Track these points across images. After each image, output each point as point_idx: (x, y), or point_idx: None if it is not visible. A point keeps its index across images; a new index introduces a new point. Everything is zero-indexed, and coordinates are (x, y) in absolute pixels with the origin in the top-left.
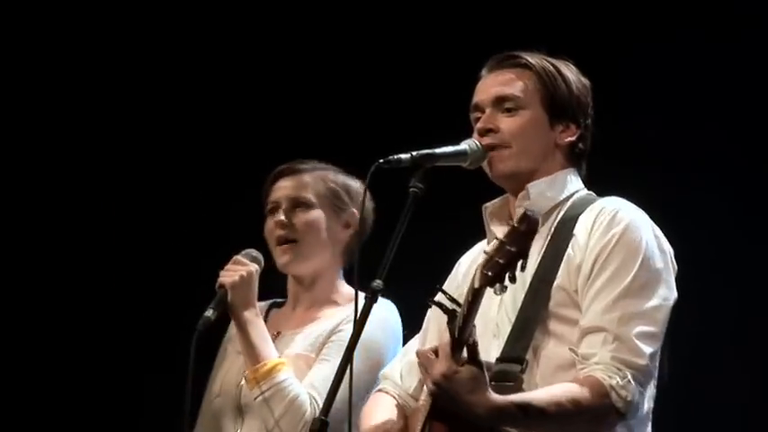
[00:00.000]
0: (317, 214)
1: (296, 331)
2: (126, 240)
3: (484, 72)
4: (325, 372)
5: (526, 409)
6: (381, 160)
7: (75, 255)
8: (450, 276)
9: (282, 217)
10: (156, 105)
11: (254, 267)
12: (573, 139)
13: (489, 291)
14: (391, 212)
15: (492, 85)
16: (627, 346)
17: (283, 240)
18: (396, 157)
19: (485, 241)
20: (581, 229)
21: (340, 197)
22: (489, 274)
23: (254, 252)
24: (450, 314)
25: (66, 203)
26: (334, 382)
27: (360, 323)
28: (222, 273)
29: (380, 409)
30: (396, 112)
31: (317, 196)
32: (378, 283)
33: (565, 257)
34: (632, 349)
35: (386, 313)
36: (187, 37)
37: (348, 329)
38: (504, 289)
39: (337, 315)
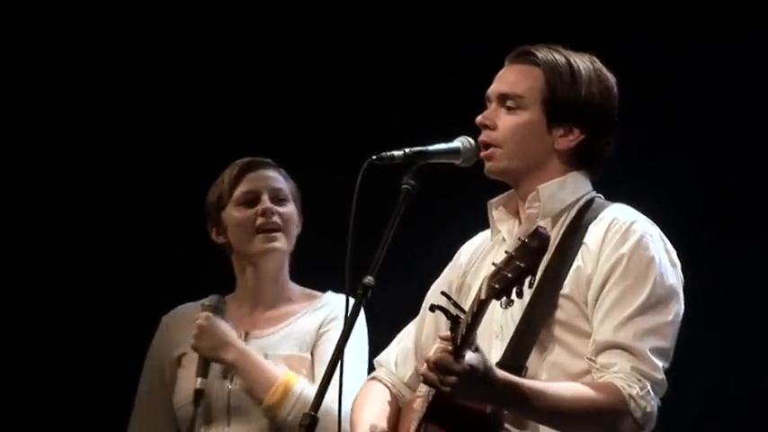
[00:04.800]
0: (294, 209)
1: (268, 331)
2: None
3: (506, 61)
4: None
5: (540, 393)
6: (374, 157)
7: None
8: (449, 265)
9: (270, 205)
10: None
11: (204, 314)
12: (573, 144)
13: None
14: (383, 210)
15: (502, 79)
16: (644, 360)
17: (269, 229)
18: (388, 153)
19: (486, 232)
20: (592, 239)
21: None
22: (496, 286)
23: (206, 301)
24: (454, 320)
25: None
26: (324, 377)
27: (350, 321)
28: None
29: (374, 398)
30: (389, 108)
31: (291, 192)
32: (369, 279)
33: (574, 267)
34: (649, 363)
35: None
36: (182, 34)
37: (333, 329)
38: (510, 303)
39: (316, 314)
